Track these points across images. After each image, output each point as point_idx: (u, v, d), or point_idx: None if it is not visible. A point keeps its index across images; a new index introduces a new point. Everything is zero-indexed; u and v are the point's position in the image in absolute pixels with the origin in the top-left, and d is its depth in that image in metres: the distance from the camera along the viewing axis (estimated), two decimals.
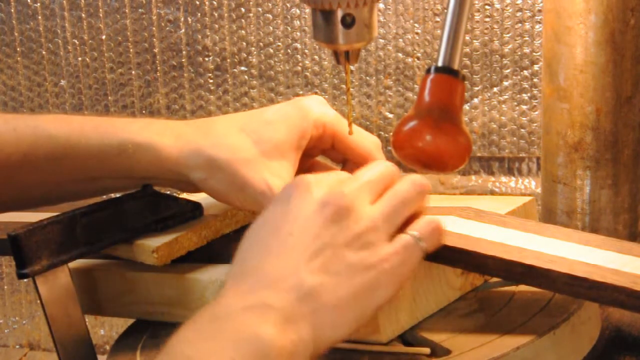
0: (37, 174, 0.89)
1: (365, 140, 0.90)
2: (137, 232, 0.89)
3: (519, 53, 1.32)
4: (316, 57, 1.41)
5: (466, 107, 1.34)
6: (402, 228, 0.73)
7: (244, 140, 0.88)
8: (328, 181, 0.73)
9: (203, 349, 0.65)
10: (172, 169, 0.88)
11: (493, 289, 0.84)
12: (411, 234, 0.72)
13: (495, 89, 1.34)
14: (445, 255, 0.76)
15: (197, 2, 1.43)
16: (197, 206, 0.92)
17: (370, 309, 0.70)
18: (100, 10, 1.47)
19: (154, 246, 0.86)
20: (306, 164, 0.93)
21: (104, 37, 1.48)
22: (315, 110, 0.89)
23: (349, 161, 0.92)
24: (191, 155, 0.87)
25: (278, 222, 0.72)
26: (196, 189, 0.90)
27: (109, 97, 1.51)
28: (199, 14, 1.44)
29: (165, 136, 0.88)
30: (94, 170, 0.89)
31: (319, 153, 0.93)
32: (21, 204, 0.94)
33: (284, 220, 0.71)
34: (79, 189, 0.91)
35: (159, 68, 1.48)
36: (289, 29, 1.41)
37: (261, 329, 0.66)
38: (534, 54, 1.31)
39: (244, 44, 1.43)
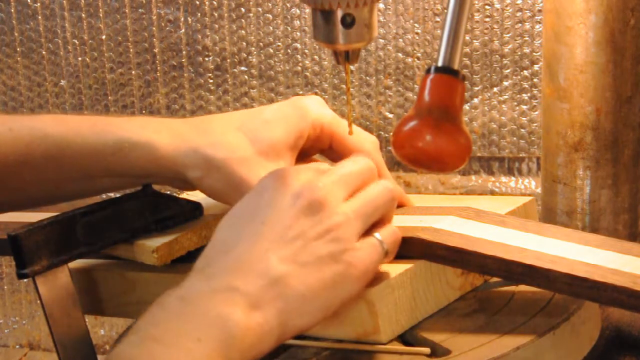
0: (34, 173, 0.89)
1: (363, 141, 0.90)
2: (137, 232, 0.89)
3: (519, 53, 1.32)
4: (316, 57, 1.41)
5: (466, 107, 1.34)
6: (368, 230, 0.74)
7: (241, 139, 0.88)
8: (305, 173, 0.74)
9: (170, 330, 0.67)
10: (168, 168, 0.88)
11: (493, 289, 0.84)
12: (377, 238, 0.74)
13: (495, 89, 1.34)
14: (445, 255, 0.76)
15: (197, 2, 1.43)
16: (197, 206, 0.92)
17: (336, 301, 0.72)
18: (100, 10, 1.47)
19: (154, 246, 0.86)
20: (303, 163, 0.93)
21: (104, 37, 1.48)
22: (314, 110, 0.89)
23: None
24: (188, 153, 0.87)
25: (252, 211, 0.73)
26: (193, 188, 0.90)
27: (109, 97, 1.51)
28: (199, 14, 1.44)
29: (162, 134, 0.88)
30: (91, 169, 0.89)
31: (317, 152, 0.93)
32: (19, 204, 0.94)
33: (257, 209, 0.73)
34: (77, 189, 0.91)
35: (159, 68, 1.48)
36: (289, 29, 1.41)
37: (228, 311, 0.67)
38: (534, 54, 1.31)
39: (244, 44, 1.43)
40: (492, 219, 0.83)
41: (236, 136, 0.88)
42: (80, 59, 1.50)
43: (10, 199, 0.91)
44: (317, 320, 0.71)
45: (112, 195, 1.49)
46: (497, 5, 1.31)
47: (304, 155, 0.92)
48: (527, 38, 1.31)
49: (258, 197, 0.74)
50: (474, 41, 1.33)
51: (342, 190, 0.74)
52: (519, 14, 1.31)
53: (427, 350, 0.75)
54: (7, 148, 0.88)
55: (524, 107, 1.34)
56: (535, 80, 1.32)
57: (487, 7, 1.31)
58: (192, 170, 0.87)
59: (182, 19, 1.44)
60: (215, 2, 1.43)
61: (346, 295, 0.72)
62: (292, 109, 0.89)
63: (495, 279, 0.85)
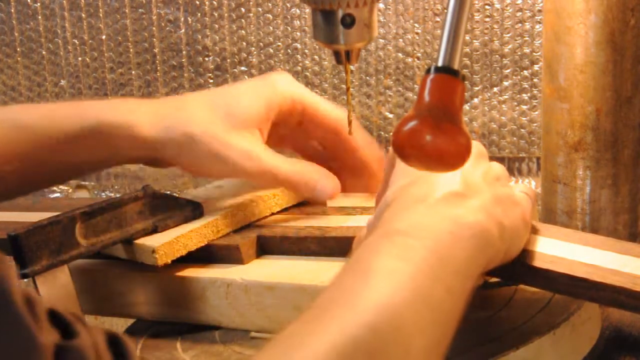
0: (13, 165, 0.89)
1: (332, 112, 0.95)
2: (137, 232, 0.89)
3: (519, 53, 1.32)
4: (316, 57, 1.41)
5: (466, 107, 1.34)
6: None
7: (216, 113, 0.90)
8: None
9: (418, 225, 0.67)
10: (146, 146, 0.90)
11: (493, 289, 0.84)
12: (522, 192, 0.78)
13: (495, 89, 1.34)
14: None
15: (197, 2, 1.43)
16: (197, 206, 0.92)
17: (523, 242, 0.75)
18: (100, 10, 1.47)
19: (154, 246, 0.86)
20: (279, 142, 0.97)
21: (104, 37, 1.48)
22: (282, 83, 0.93)
23: (344, 170, 0.95)
24: (165, 131, 0.89)
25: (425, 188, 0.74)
26: (169, 165, 0.91)
27: (109, 97, 1.51)
28: (199, 14, 1.44)
29: (138, 114, 0.90)
30: (69, 156, 0.90)
31: (290, 130, 0.96)
32: (11, 193, 0.94)
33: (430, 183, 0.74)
34: (57, 177, 0.93)
35: (159, 68, 1.48)
36: (289, 29, 1.41)
37: (471, 214, 0.69)
38: (534, 54, 1.31)
39: (244, 44, 1.43)
40: None
41: (210, 110, 0.91)
42: (80, 59, 1.50)
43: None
44: (516, 253, 0.74)
45: (111, 195, 1.49)
46: (497, 5, 1.31)
47: (279, 136, 0.96)
48: (527, 38, 1.31)
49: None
50: (474, 41, 1.33)
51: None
52: (519, 14, 1.31)
53: None
54: None
55: (524, 107, 1.34)
56: (535, 80, 1.32)
57: (487, 7, 1.31)
58: (169, 147, 0.89)
59: (182, 19, 1.44)
60: (215, 2, 1.43)
61: (524, 240, 0.75)
62: (261, 82, 0.93)
63: (495, 279, 0.85)
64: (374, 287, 0.62)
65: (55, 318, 0.51)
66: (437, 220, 0.68)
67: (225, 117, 0.90)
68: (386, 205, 0.73)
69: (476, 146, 0.77)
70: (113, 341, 0.54)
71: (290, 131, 0.97)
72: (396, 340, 0.59)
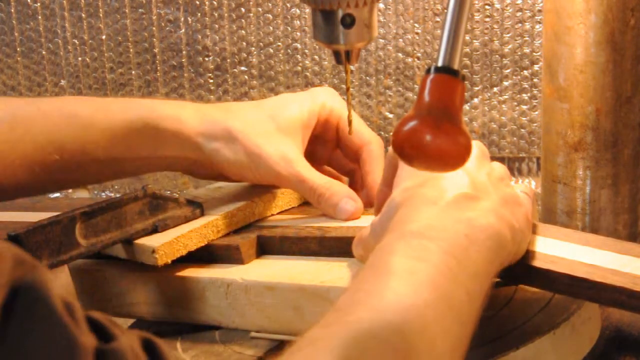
0: (59, 153, 0.90)
1: (369, 136, 0.96)
2: (137, 232, 0.89)
3: (519, 53, 1.32)
4: (316, 57, 1.40)
5: (466, 107, 1.34)
6: None
7: (261, 115, 0.93)
8: None
9: (432, 227, 0.68)
10: (191, 141, 0.92)
11: (493, 289, 0.84)
12: (522, 192, 0.80)
13: (495, 89, 1.34)
14: None
15: (197, 2, 1.43)
16: (197, 206, 0.92)
17: (527, 242, 0.76)
18: (100, 10, 1.47)
19: (154, 246, 0.86)
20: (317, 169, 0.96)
21: (104, 37, 1.48)
22: (324, 95, 0.96)
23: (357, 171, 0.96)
24: (210, 125, 0.92)
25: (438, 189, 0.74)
26: (211, 168, 0.92)
27: (109, 97, 1.51)
28: (199, 14, 1.44)
29: (186, 110, 0.93)
30: (116, 149, 0.91)
31: (327, 143, 0.98)
32: (46, 187, 0.95)
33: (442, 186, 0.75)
34: (101, 170, 0.93)
35: (159, 68, 1.48)
36: (289, 29, 1.41)
37: (484, 217, 0.70)
38: (534, 54, 1.31)
39: (244, 44, 1.43)
40: None
41: (256, 113, 0.94)
42: (80, 59, 1.50)
43: (38, 182, 0.92)
44: (522, 253, 0.75)
45: (111, 195, 1.49)
46: (497, 5, 1.31)
47: (318, 157, 0.98)
48: (527, 38, 1.31)
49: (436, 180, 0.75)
50: (474, 41, 1.33)
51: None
52: (519, 14, 1.31)
53: None
54: (36, 128, 0.89)
55: (524, 107, 1.34)
56: (535, 80, 1.32)
57: (487, 7, 1.31)
58: (213, 142, 0.91)
59: (182, 19, 1.44)
60: (215, 2, 1.43)
61: (528, 241, 0.76)
62: (305, 93, 0.97)
63: (495, 279, 0.85)
64: (396, 289, 0.62)
65: (93, 322, 0.51)
66: (451, 223, 0.69)
67: (268, 118, 0.93)
68: (395, 207, 0.73)
69: (478, 146, 0.77)
70: (148, 345, 0.54)
71: (328, 153, 1.00)
72: (422, 341, 0.60)
